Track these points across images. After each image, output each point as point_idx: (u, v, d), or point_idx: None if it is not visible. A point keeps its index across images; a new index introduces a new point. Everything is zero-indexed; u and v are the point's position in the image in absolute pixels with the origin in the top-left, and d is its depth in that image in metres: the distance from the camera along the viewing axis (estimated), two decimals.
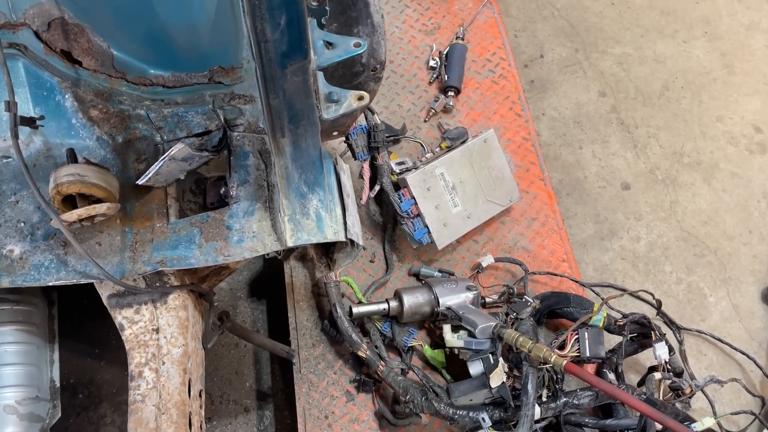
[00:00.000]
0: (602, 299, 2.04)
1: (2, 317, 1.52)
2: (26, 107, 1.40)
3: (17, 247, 1.35)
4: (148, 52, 1.42)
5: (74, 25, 1.40)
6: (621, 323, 1.94)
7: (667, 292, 2.47)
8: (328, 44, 1.23)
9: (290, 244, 1.33)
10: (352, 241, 1.41)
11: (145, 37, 1.40)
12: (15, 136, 1.24)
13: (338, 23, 1.50)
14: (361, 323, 2.03)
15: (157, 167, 1.32)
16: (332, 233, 1.37)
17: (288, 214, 1.35)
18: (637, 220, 2.65)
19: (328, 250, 1.67)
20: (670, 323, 2.21)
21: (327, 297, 1.97)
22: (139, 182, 1.34)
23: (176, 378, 1.31)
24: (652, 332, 1.96)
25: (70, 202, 1.34)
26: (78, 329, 2.25)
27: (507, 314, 1.97)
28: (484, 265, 2.16)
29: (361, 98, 1.30)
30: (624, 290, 2.35)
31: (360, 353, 1.90)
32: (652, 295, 2.19)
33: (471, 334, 1.86)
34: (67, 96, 1.41)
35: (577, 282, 2.15)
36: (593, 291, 2.20)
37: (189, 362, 1.36)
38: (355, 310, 1.95)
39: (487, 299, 2.10)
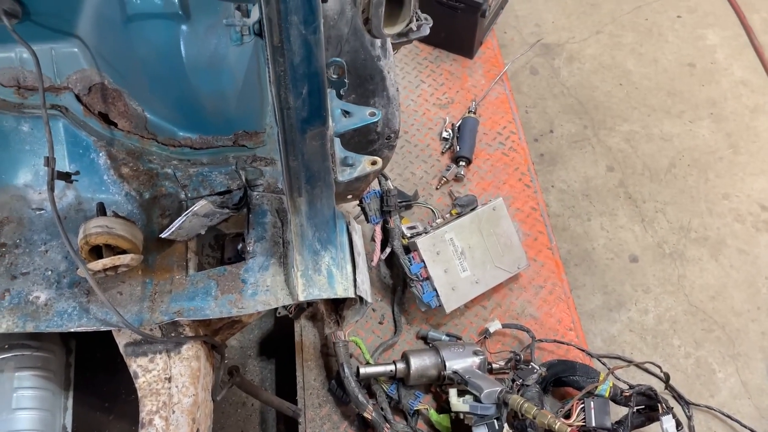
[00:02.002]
0: (609, 369, 2.05)
1: (22, 362, 1.57)
2: (62, 163, 1.51)
3: (43, 294, 1.42)
4: (179, 116, 1.54)
5: (113, 90, 1.52)
6: (627, 394, 1.95)
7: (675, 365, 2.46)
8: (346, 113, 1.33)
9: (301, 298, 1.39)
10: (361, 298, 1.47)
11: (176, 102, 1.51)
12: (51, 189, 1.34)
13: (356, 94, 1.61)
14: (368, 384, 2.04)
15: (180, 222, 1.40)
16: (342, 290, 1.43)
17: (301, 269, 1.41)
18: (645, 292, 2.68)
19: (337, 307, 1.72)
20: (679, 398, 2.20)
21: (335, 357, 1.99)
22: (163, 235, 1.42)
23: (185, 427, 1.35)
24: (660, 405, 1.95)
25: (96, 253, 1.42)
26: (90, 381, 2.28)
27: (513, 380, 1.98)
28: (491, 330, 2.18)
29: (374, 163, 1.39)
30: (631, 362, 2.35)
31: (366, 415, 1.91)
32: (659, 367, 2.19)
33: (477, 399, 1.88)
34: (101, 154, 1.52)
35: (584, 351, 2.17)
36: (600, 361, 2.21)
37: (198, 412, 1.39)
38: (362, 370, 1.98)
39: (494, 365, 2.11)
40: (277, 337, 2.50)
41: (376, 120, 1.31)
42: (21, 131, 1.51)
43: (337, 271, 1.45)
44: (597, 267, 2.75)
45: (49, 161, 1.34)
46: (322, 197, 1.37)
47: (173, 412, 1.36)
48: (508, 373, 2.10)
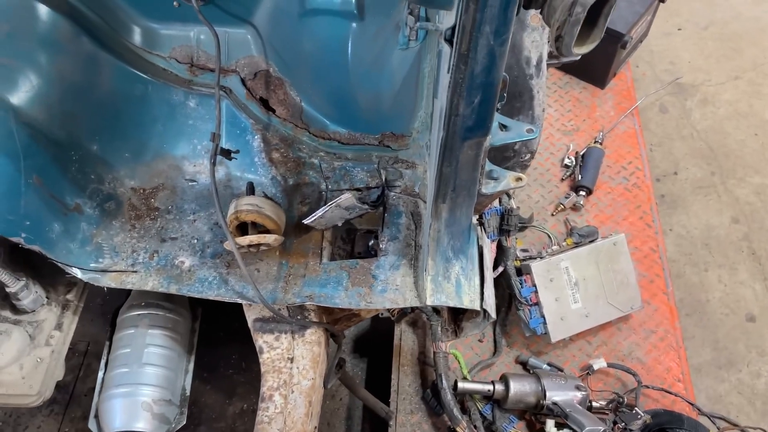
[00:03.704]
0: (717, 428, 1.94)
1: (155, 321, 1.68)
2: (221, 141, 1.60)
3: (188, 260, 1.52)
4: (333, 110, 1.60)
5: (276, 78, 1.60)
6: None
7: None
8: (503, 126, 1.33)
9: (429, 302, 1.40)
10: (485, 312, 1.47)
11: (333, 97, 1.57)
12: (213, 163, 1.43)
13: (502, 110, 1.62)
14: (461, 400, 2.03)
15: (324, 210, 1.46)
16: (468, 301, 1.43)
17: (431, 274, 1.43)
18: (759, 355, 2.52)
19: (456, 317, 1.72)
20: None
21: (434, 367, 1.99)
22: (305, 221, 1.48)
23: (302, 408, 1.39)
24: None
25: (241, 229, 1.50)
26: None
27: (615, 423, 1.92)
28: (595, 367, 2.12)
29: (518, 179, 1.39)
30: (737, 425, 2.21)
31: (459, 429, 1.90)
32: None
33: None
34: (256, 137, 1.60)
35: (692, 405, 2.06)
36: (710, 419, 2.09)
37: (314, 396, 1.44)
38: (460, 385, 1.97)
39: (594, 403, 2.04)
40: (373, 338, 2.53)
41: (533, 137, 1.31)
42: (187, 106, 1.62)
43: (465, 282, 1.45)
44: (710, 320, 2.61)
45: (215, 137, 1.43)
46: (463, 207, 1.39)
47: (292, 391, 1.41)
48: (607, 414, 2.03)
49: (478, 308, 1.44)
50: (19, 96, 1.42)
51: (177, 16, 1.56)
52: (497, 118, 1.35)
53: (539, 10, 1.04)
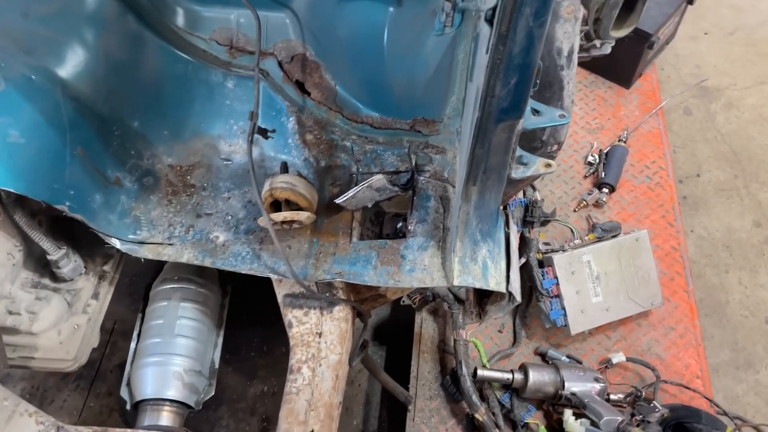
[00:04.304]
0: (736, 425, 1.95)
1: (187, 295, 1.73)
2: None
3: (222, 235, 1.56)
4: (367, 94, 1.64)
5: (312, 61, 1.65)
6: None
7: None
8: (535, 111, 1.36)
9: (456, 283, 1.43)
10: (510, 295, 1.49)
11: (368, 81, 1.61)
12: (251, 141, 1.47)
13: (533, 98, 1.64)
14: (480, 388, 2.06)
15: (356, 191, 1.49)
16: (495, 283, 1.46)
17: (459, 255, 1.46)
18: None
19: (481, 301, 1.75)
20: None
21: (454, 354, 2.02)
22: (337, 201, 1.52)
23: (329, 381, 1.43)
24: None
25: (275, 207, 1.54)
26: None
27: (633, 415, 1.93)
28: (614, 361, 2.14)
29: (548, 165, 1.42)
30: (758, 426, 2.21)
31: (477, 416, 1.93)
32: None
33: (593, 424, 1.85)
34: (291, 119, 1.65)
35: (710, 401, 2.07)
36: (727, 416, 2.10)
37: (340, 371, 1.47)
38: (480, 372, 2.00)
39: (612, 396, 2.06)
40: (392, 326, 2.56)
41: (564, 122, 1.34)
42: (226, 87, 1.67)
43: (492, 264, 1.48)
44: (729, 322, 2.62)
45: (253, 115, 1.48)
46: (492, 190, 1.42)
47: (320, 365, 1.44)
48: (625, 407, 2.05)
49: (504, 290, 1.47)
50: (67, 70, 1.48)
51: None
52: (530, 103, 1.38)
53: None
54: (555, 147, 1.81)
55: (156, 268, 1.97)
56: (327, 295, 1.54)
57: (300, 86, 1.66)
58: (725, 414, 2.11)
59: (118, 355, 2.51)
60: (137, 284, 2.62)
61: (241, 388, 2.45)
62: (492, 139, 1.28)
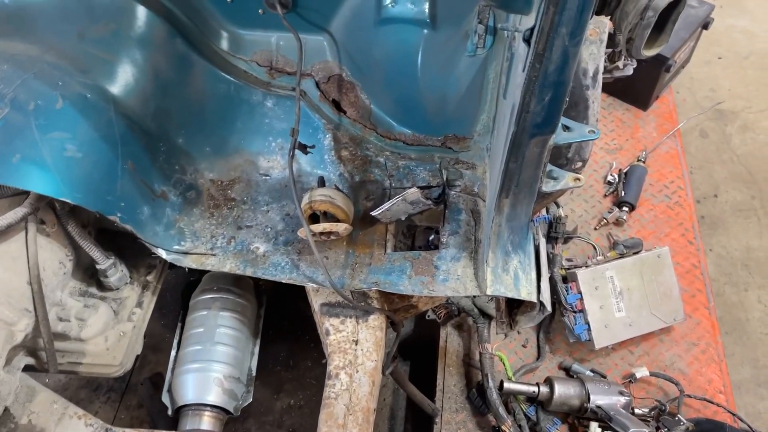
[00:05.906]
0: None
1: (226, 305, 1.79)
2: None
3: (262, 246, 1.63)
4: (400, 112, 1.71)
5: (348, 81, 1.73)
6: None
7: None
8: (566, 127, 1.43)
9: (489, 292, 1.49)
10: (542, 305, 1.54)
11: (401, 100, 1.69)
12: (292, 156, 1.54)
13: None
14: (505, 401, 2.09)
15: (391, 204, 1.56)
16: (526, 293, 1.51)
17: (491, 266, 1.51)
18: None
19: (511, 311, 1.80)
20: None
21: (480, 367, 2.06)
22: (373, 213, 1.58)
23: (366, 387, 1.48)
24: None
25: (313, 219, 1.61)
26: None
27: (658, 428, 1.96)
28: (638, 376, 2.16)
29: (577, 179, 1.48)
30: None
31: (504, 428, 1.96)
32: None
33: None
34: (327, 136, 1.72)
35: (734, 415, 2.09)
36: (752, 429, 2.12)
37: (376, 377, 1.52)
38: (506, 385, 2.03)
39: (636, 410, 2.09)
40: (416, 340, 2.60)
41: (594, 138, 1.40)
42: (265, 106, 1.75)
43: (523, 275, 1.54)
44: (749, 339, 2.64)
45: (294, 132, 1.55)
46: (524, 203, 1.48)
47: (357, 371, 1.50)
48: (649, 421, 2.07)
49: (535, 300, 1.52)
50: (119, 89, 1.56)
51: (260, 23, 1.70)
52: (561, 119, 1.45)
53: (610, 16, 1.14)
54: (579, 164, 1.87)
55: (183, 284, 2.04)
56: (363, 304, 1.59)
57: (336, 105, 1.74)
58: (750, 429, 2.13)
59: (148, 368, 2.57)
60: (165, 299, 2.69)
61: (268, 402, 2.49)
62: (525, 153, 1.34)
